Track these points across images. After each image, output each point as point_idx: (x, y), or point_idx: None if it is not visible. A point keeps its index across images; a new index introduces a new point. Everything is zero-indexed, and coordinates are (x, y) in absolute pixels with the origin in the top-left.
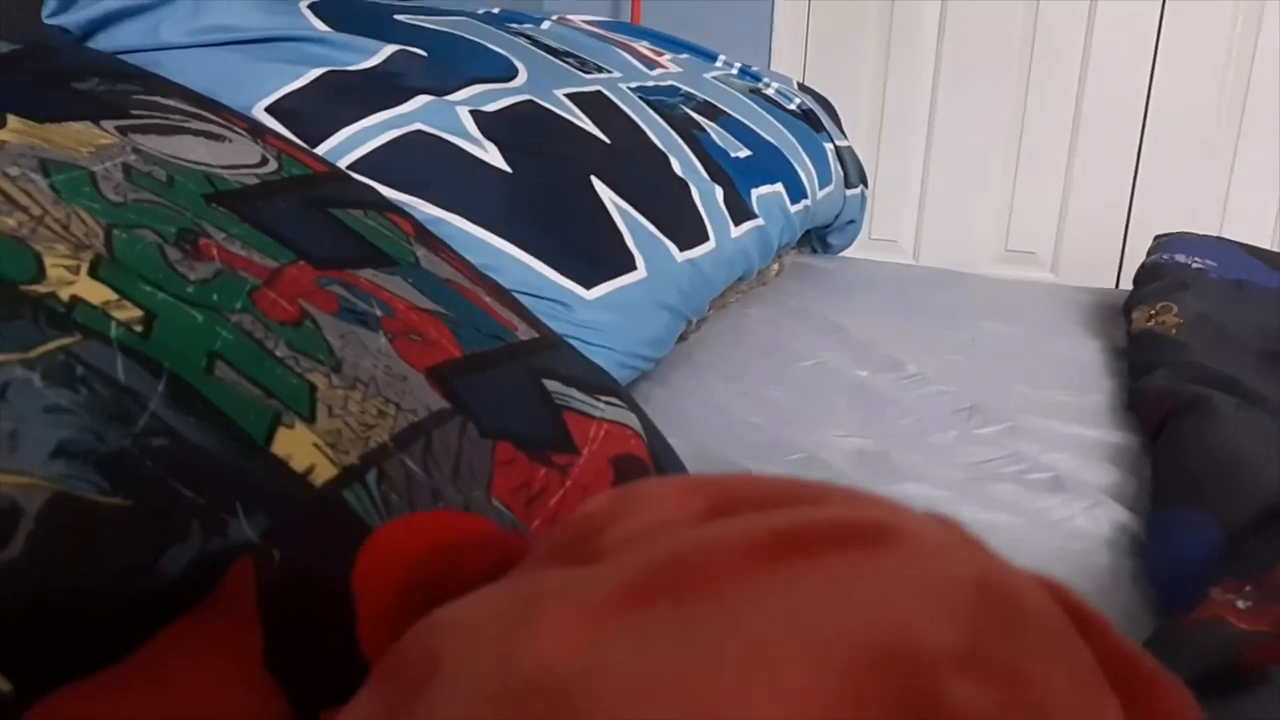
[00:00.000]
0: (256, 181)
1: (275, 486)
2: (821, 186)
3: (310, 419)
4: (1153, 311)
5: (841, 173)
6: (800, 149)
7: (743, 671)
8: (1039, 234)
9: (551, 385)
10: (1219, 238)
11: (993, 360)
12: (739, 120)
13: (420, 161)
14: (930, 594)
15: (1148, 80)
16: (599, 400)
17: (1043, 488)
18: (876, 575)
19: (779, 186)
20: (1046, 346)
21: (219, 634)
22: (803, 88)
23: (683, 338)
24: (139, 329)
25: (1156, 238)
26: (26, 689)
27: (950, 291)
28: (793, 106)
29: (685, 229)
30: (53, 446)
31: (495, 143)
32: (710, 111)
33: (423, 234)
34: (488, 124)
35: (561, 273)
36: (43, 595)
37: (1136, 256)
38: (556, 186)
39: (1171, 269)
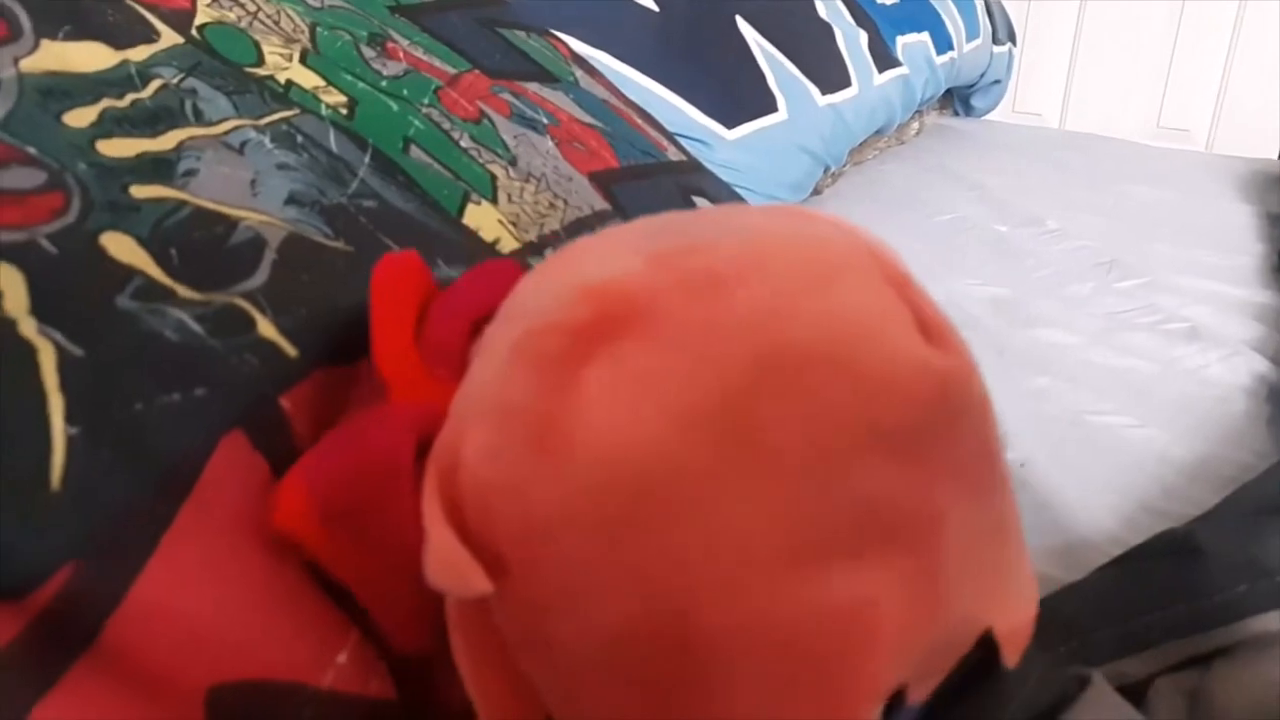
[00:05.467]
0: None
1: (469, 249)
2: (969, 39)
3: (494, 201)
4: None
5: (990, 27)
6: None
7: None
8: (1194, 110)
9: (700, 201)
10: None
11: (1136, 220)
12: None
13: None
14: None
15: None
16: None
17: (1179, 337)
18: None
19: (925, 36)
20: (1195, 210)
21: None
22: None
23: (817, 191)
24: (344, 111)
25: None
26: (305, 359)
27: (1097, 155)
28: None
29: (828, 73)
30: (285, 195)
31: None
32: None
33: (577, 58)
34: None
35: (704, 112)
36: (297, 298)
37: None
38: (702, 26)
39: None
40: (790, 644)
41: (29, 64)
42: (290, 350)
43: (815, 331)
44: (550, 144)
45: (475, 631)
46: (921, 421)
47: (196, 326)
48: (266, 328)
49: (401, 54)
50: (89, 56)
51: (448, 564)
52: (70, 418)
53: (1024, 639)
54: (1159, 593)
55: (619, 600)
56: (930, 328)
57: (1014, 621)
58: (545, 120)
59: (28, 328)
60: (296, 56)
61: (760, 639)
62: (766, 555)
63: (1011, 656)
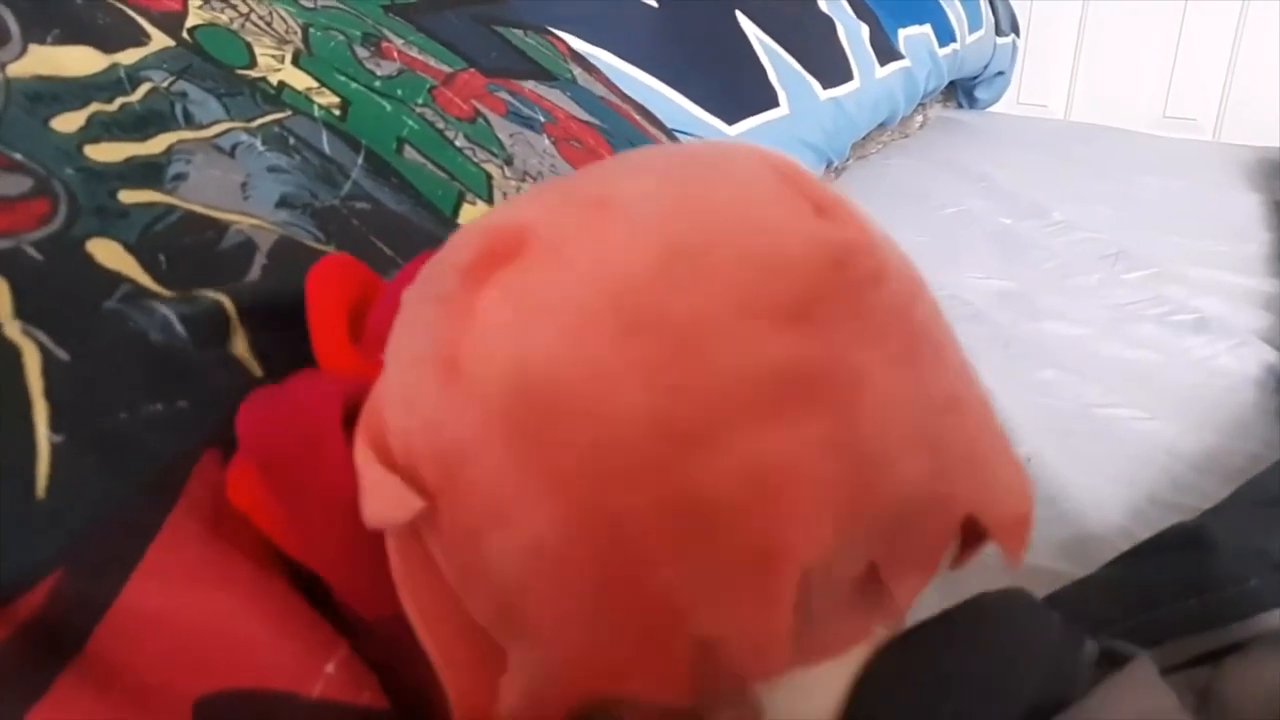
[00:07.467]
0: None
1: None
2: (971, 31)
3: (489, 200)
4: None
5: (992, 18)
6: None
7: None
8: (1201, 99)
9: None
10: None
11: (1144, 211)
12: None
13: None
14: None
15: None
16: None
17: (1187, 328)
18: None
19: (927, 28)
20: (1202, 199)
21: None
22: None
23: None
24: (337, 112)
25: None
26: (271, 375)
27: (1103, 146)
28: None
29: (829, 67)
30: (276, 198)
31: None
32: None
33: (576, 55)
34: None
35: (705, 108)
36: (278, 308)
37: None
38: (702, 22)
39: None
40: (709, 511)
41: (16, 69)
42: (257, 371)
43: (705, 221)
44: (547, 142)
45: (423, 585)
46: (819, 289)
47: (180, 328)
48: (240, 345)
49: (396, 53)
50: (78, 60)
51: (380, 493)
52: (55, 425)
53: (1023, 533)
54: (1169, 587)
55: (541, 505)
56: (825, 207)
57: (1005, 512)
58: (542, 118)
59: (12, 330)
60: (289, 58)
61: (680, 511)
62: (673, 430)
63: (1013, 552)
